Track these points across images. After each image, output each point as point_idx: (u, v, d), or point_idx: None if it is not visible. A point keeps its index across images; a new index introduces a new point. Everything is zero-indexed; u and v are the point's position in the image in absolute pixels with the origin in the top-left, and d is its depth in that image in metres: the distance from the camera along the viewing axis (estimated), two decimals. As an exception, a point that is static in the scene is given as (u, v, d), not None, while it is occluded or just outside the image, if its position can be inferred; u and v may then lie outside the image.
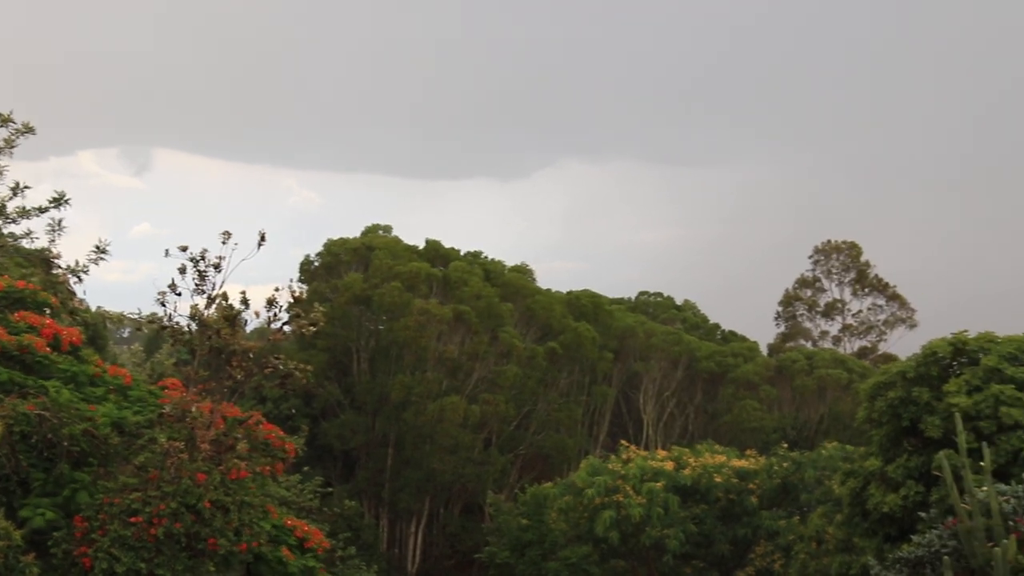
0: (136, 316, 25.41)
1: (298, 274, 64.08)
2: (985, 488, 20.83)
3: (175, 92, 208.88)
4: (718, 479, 45.63)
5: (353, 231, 67.23)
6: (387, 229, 68.25)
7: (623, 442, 49.83)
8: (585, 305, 68.37)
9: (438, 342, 58.24)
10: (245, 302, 20.64)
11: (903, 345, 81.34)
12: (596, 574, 46.20)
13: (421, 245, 66.10)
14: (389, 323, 59.45)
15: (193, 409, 19.65)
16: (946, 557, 19.58)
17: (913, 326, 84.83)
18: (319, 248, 64.47)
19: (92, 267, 29.51)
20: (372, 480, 58.19)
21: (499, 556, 48.19)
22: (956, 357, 26.95)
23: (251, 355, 20.21)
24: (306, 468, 25.29)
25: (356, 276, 60.33)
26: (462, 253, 66.86)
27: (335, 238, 64.27)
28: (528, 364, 60.85)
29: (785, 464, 46.31)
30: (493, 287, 62.24)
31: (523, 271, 69.68)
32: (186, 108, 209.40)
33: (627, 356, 69.73)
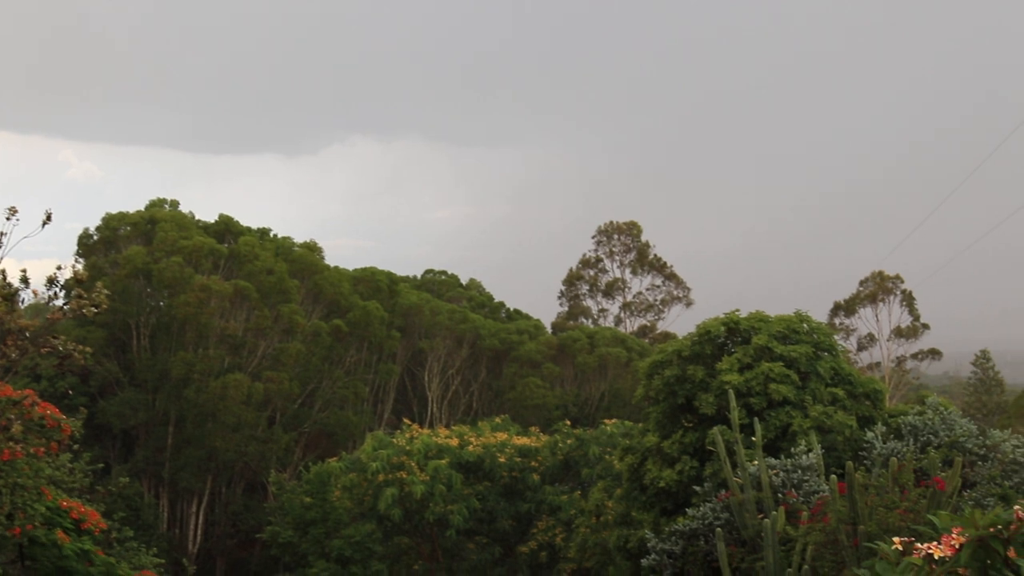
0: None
1: (76, 248, 61.94)
2: (756, 462, 21.68)
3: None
4: (502, 459, 46.21)
5: (138, 206, 65.21)
6: (173, 204, 66.56)
7: (406, 420, 49.97)
8: (380, 281, 68.28)
9: (221, 318, 57.23)
10: (25, 280, 19.89)
11: (680, 324, 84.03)
12: (380, 551, 46.24)
13: (212, 221, 64.83)
14: (170, 299, 58.10)
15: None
16: (719, 529, 20.31)
17: (689, 305, 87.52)
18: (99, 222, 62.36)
19: None
20: (152, 459, 56.83)
21: (282, 535, 47.74)
22: (729, 336, 27.79)
23: (27, 334, 19.53)
24: (75, 446, 24.37)
25: (138, 249, 58.61)
26: (252, 229, 65.80)
27: (114, 212, 62.28)
28: (313, 341, 60.45)
29: (569, 441, 47.20)
30: (283, 263, 61.51)
31: (312, 248, 69.06)
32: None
33: (412, 334, 69.89)
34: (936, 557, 5.51)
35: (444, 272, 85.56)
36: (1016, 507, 5.69)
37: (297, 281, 61.80)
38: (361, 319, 63.23)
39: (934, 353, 78.40)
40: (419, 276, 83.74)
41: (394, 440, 46.09)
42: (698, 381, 26.76)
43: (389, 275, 71.11)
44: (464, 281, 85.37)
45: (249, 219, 68.32)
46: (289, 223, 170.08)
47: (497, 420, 51.96)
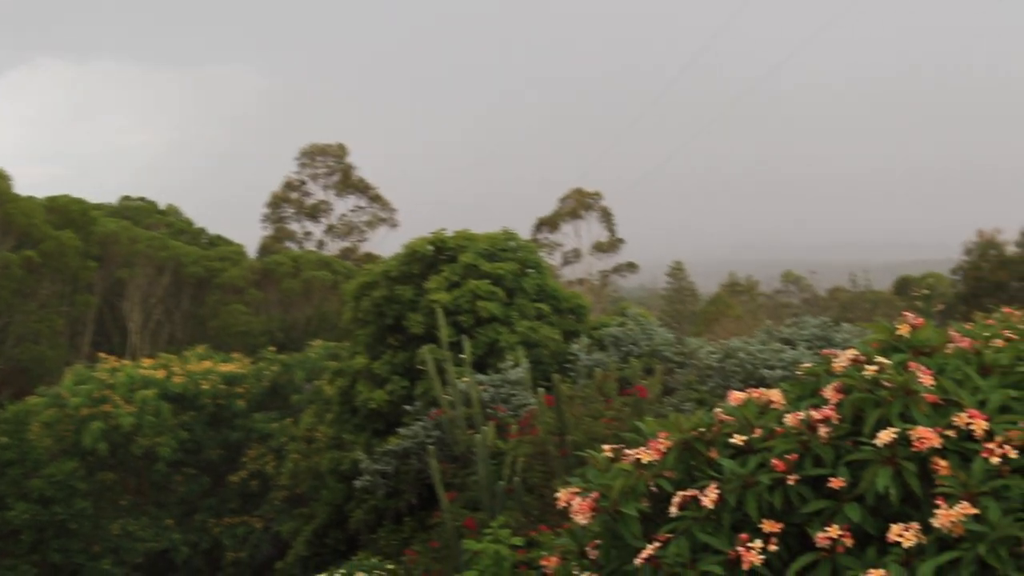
0: None
1: None
2: (465, 379, 21.96)
3: None
4: (205, 386, 45.49)
5: None
6: None
7: (102, 354, 48.36)
8: (73, 211, 65.39)
9: (-102, 254, 53.76)
10: None
11: (386, 245, 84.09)
12: (83, 488, 44.77)
13: None
14: None
15: None
16: (430, 446, 20.52)
17: (395, 226, 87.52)
18: None
19: None
20: None
21: (-24, 479, 45.58)
22: (436, 255, 27.92)
23: None
24: None
25: None
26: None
27: None
28: (2, 275, 57.58)
29: (274, 367, 46.87)
30: (-41, 193, 58.13)
31: (1, 176, 65.43)
32: None
33: (110, 263, 67.49)
34: (644, 462, 5.65)
35: (142, 198, 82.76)
36: (717, 409, 5.89)
37: (-20, 212, 58.55)
38: (55, 250, 60.55)
39: (631, 266, 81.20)
40: (115, 203, 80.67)
41: (96, 375, 44.70)
42: (406, 301, 26.82)
43: (81, 202, 68.19)
44: (162, 207, 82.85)
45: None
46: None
47: (199, 350, 51.02)
